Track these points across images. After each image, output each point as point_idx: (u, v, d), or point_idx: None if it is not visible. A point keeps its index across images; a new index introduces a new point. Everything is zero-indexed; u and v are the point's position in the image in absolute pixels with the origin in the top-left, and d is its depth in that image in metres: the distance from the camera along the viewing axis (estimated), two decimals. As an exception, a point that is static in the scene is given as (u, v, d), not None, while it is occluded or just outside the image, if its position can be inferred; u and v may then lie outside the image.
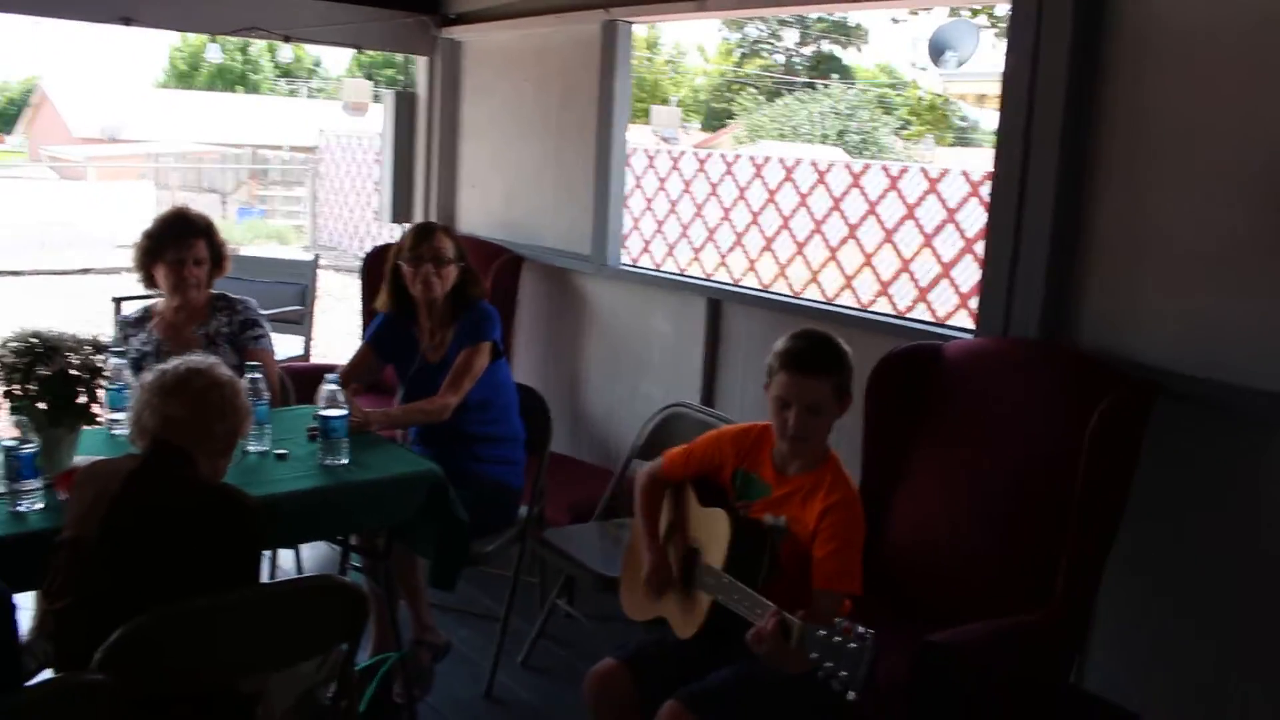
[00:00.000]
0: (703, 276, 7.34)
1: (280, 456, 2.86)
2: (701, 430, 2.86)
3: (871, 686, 1.97)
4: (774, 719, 2.29)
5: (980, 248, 3.40)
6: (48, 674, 2.13)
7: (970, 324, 3.27)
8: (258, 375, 2.92)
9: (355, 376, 3.39)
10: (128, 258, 3.59)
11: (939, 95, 27.69)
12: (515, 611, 3.43)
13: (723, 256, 10.65)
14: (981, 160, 12.30)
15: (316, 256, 6.02)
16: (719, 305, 4.00)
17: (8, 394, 2.56)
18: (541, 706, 3.31)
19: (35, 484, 2.43)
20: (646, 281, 4.38)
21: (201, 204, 4.17)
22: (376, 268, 3.71)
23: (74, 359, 2.61)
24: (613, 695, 2.42)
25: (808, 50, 32.13)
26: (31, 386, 2.57)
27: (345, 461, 2.81)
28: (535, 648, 3.57)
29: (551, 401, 3.62)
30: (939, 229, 9.06)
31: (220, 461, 2.27)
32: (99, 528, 2.07)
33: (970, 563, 2.70)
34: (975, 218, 8.61)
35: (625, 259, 4.55)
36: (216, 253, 3.46)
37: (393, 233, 4.62)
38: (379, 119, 5.74)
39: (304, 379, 3.84)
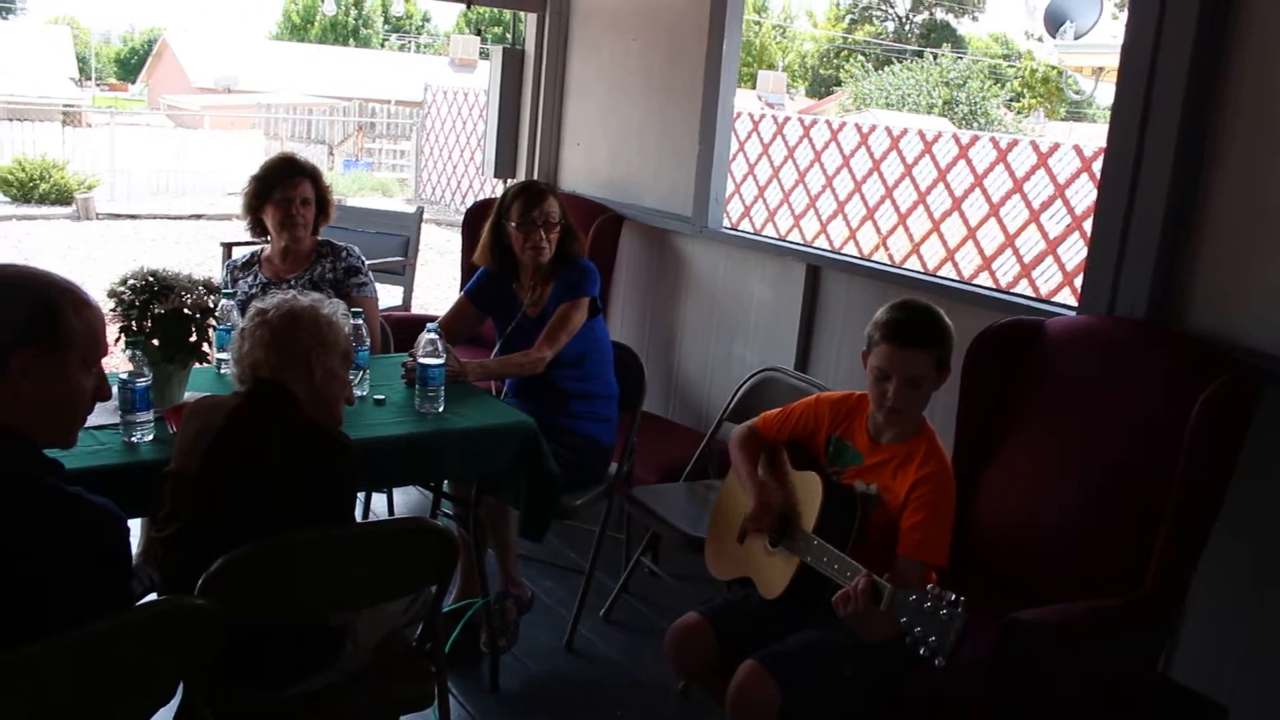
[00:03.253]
0: (802, 243, 7.26)
1: (378, 402, 2.92)
2: (795, 396, 2.85)
3: (957, 657, 1.95)
4: (851, 686, 2.28)
5: (1089, 225, 3.31)
6: (152, 599, 2.21)
7: (1074, 303, 3.19)
8: (359, 322, 2.99)
9: (454, 328, 3.44)
10: (237, 205, 3.70)
11: (1054, 67, 26.87)
12: (599, 566, 3.47)
13: (823, 224, 10.53)
14: (1094, 136, 11.95)
15: (420, 209, 6.11)
16: (818, 272, 3.97)
17: (124, 329, 2.65)
18: (621, 659, 3.35)
19: (147, 416, 2.52)
20: (746, 245, 4.36)
21: (309, 155, 4.28)
22: (478, 222, 3.75)
23: (187, 299, 2.70)
24: (694, 649, 2.44)
25: (920, 18, 31.45)
26: (146, 323, 2.67)
27: (440, 409, 2.86)
28: (617, 602, 3.61)
29: (646, 361, 3.63)
30: (1047, 204, 8.84)
31: (326, 395, 2.28)
32: (201, 461, 2.14)
33: (1061, 543, 2.65)
34: (1085, 194, 8.38)
35: (725, 223, 4.53)
36: (322, 197, 3.54)
37: (495, 188, 4.66)
38: (485, 75, 5.77)
39: (404, 328, 3.92)
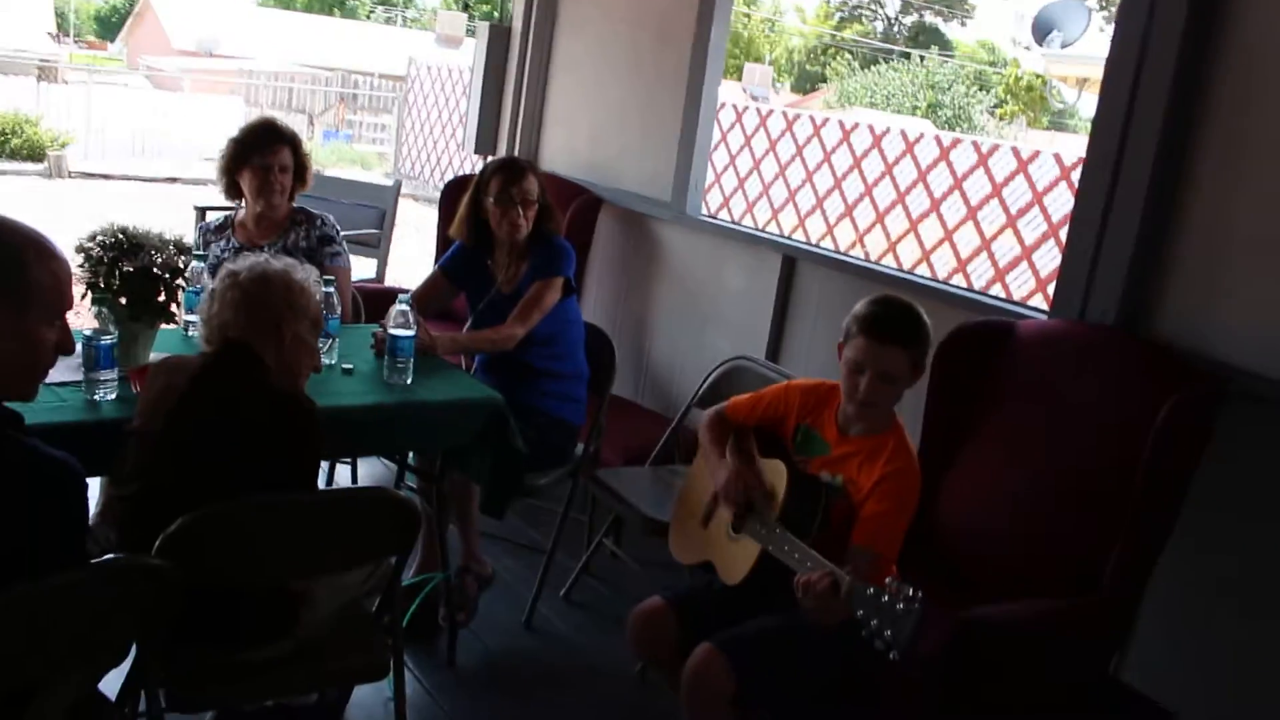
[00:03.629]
0: (779, 235, 7.26)
1: (346, 371, 2.91)
2: (764, 384, 2.85)
3: (912, 651, 1.96)
4: (805, 672, 2.29)
5: (1064, 233, 3.34)
6: (109, 557, 2.19)
7: (1046, 308, 3.21)
8: (330, 290, 2.96)
9: (427, 301, 3.43)
10: (213, 170, 3.66)
11: (1039, 76, 27.02)
12: (561, 547, 3.47)
13: (801, 219, 10.55)
14: (1074, 146, 12.00)
15: (398, 182, 6.07)
16: (794, 263, 3.97)
17: (91, 286, 2.62)
18: (579, 640, 3.35)
19: (111, 374, 2.50)
20: (724, 234, 4.36)
21: (289, 123, 4.22)
22: (456, 197, 3.73)
23: (157, 257, 2.66)
24: (656, 633, 2.44)
25: (909, 19, 31.54)
26: (114, 281, 2.63)
27: (409, 381, 2.85)
28: (578, 583, 3.61)
29: (618, 344, 3.63)
30: (1024, 210, 8.89)
31: (294, 364, 2.27)
32: (165, 421, 2.13)
33: (1021, 543, 2.67)
34: (1062, 203, 8.43)
35: (704, 211, 4.53)
36: (300, 164, 3.51)
37: (475, 165, 4.64)
38: (471, 53, 5.74)
39: (376, 299, 3.89)
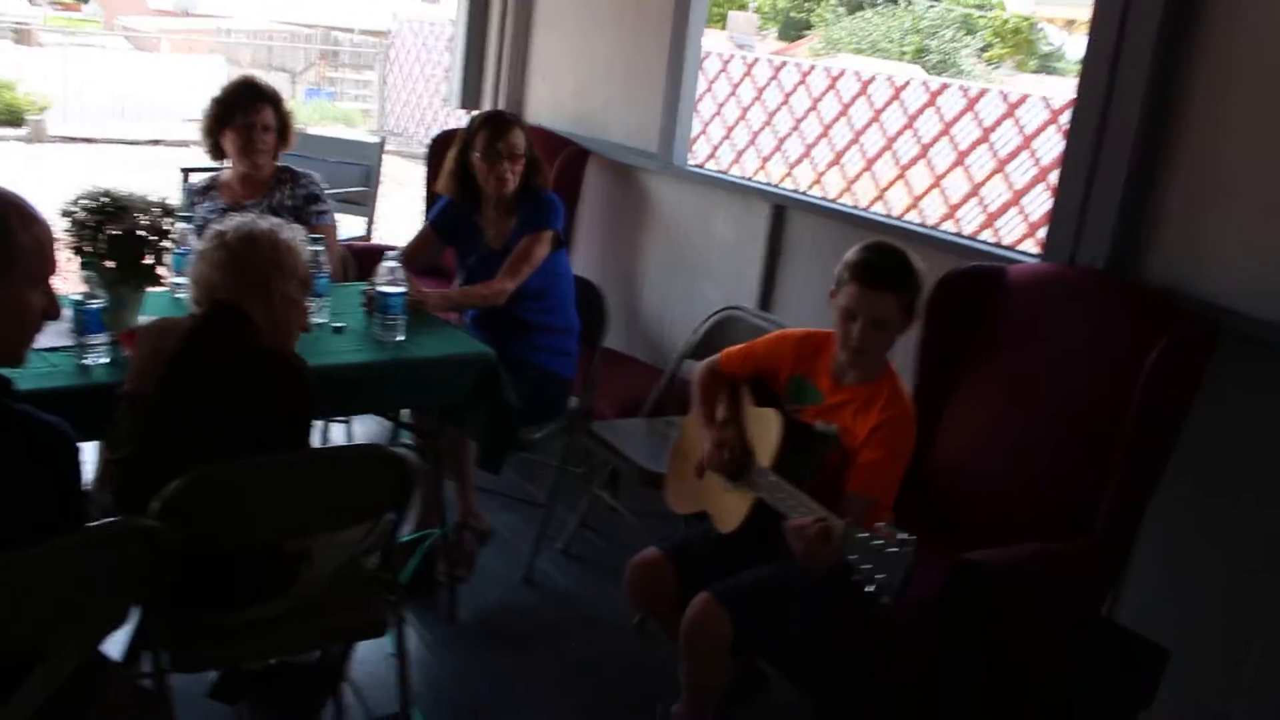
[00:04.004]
0: (768, 183, 7.24)
1: (337, 329, 2.90)
2: (756, 335, 2.85)
3: (904, 595, 1.98)
4: (800, 621, 2.31)
5: (1054, 177, 3.32)
6: (106, 521, 2.19)
7: (1037, 252, 3.21)
8: (319, 249, 2.95)
9: (415, 257, 3.41)
10: (196, 130, 3.62)
11: (1026, 18, 26.77)
12: (558, 500, 3.48)
13: (790, 167, 10.49)
14: (1063, 89, 11.93)
15: (383, 139, 6.02)
16: (783, 212, 3.96)
17: (78, 250, 2.60)
18: (578, 593, 3.38)
19: (101, 339, 2.49)
20: (711, 184, 4.33)
21: (270, 81, 4.15)
22: (443, 151, 3.70)
23: (142, 220, 2.64)
24: (653, 584, 2.46)
25: (894, -38, 31.18)
26: (100, 244, 2.61)
27: (400, 339, 2.84)
28: (576, 537, 3.62)
29: (608, 297, 3.62)
30: (1013, 155, 8.85)
31: (283, 324, 2.26)
32: (156, 384, 2.12)
33: (1014, 487, 2.68)
34: (1051, 147, 8.39)
35: (691, 162, 4.50)
36: (283, 123, 3.48)
37: (460, 119, 4.59)
38: (453, 7, 5.66)
39: (365, 257, 3.87)
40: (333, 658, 2.78)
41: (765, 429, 2.41)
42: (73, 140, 13.15)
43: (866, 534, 2.00)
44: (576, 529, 3.63)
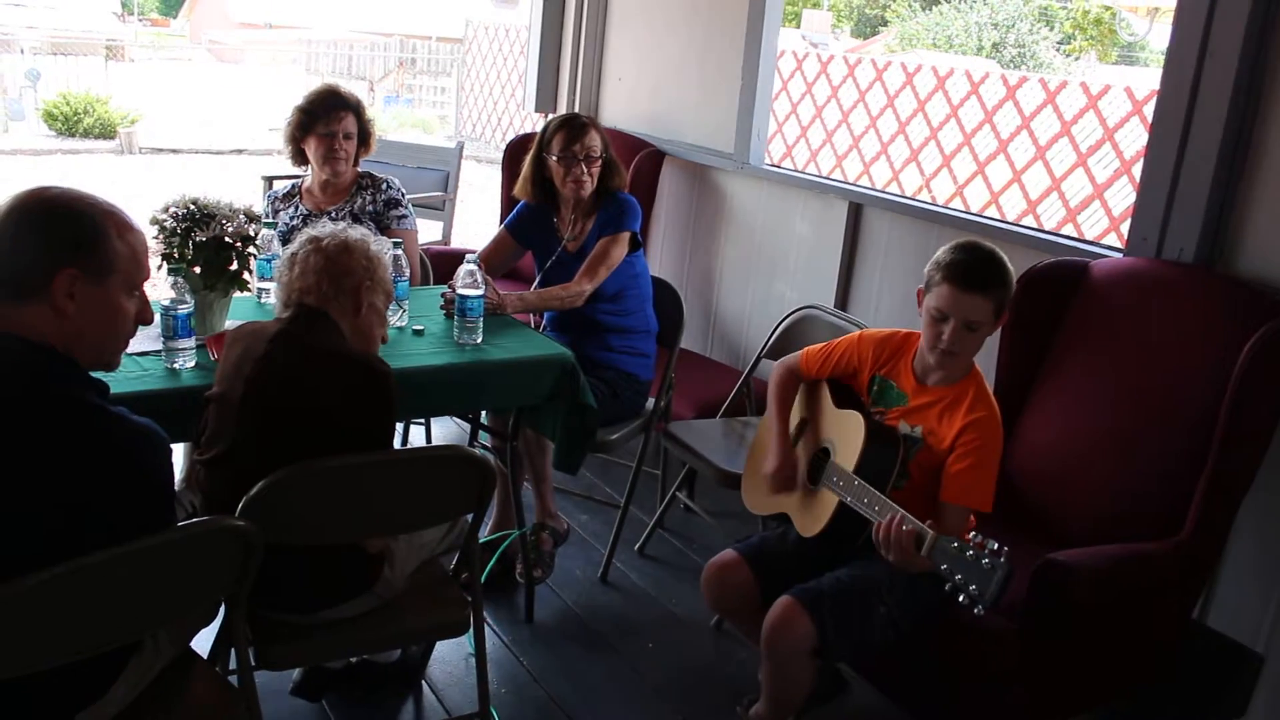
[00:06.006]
0: (845, 181, 7.18)
1: (417, 332, 2.93)
2: (834, 334, 2.83)
3: (999, 607, 1.95)
4: (884, 624, 2.28)
5: (1138, 169, 3.24)
6: (194, 520, 2.25)
7: (1120, 246, 3.13)
8: (399, 253, 2.98)
9: (493, 261, 3.44)
10: (279, 139, 3.69)
11: (1107, 7, 26.15)
12: (635, 501, 3.48)
13: (866, 165, 10.40)
14: (1146, 80, 11.64)
15: (461, 144, 6.08)
16: (860, 210, 3.92)
17: (166, 257, 2.67)
18: (655, 593, 3.38)
19: (189, 343, 2.54)
20: (788, 182, 4.31)
21: (350, 90, 4.22)
22: (519, 156, 3.73)
23: (228, 227, 2.70)
24: (731, 586, 2.45)
25: (971, -44, 30.70)
26: (188, 251, 2.68)
27: (479, 341, 2.87)
28: (652, 537, 3.63)
29: (685, 297, 3.62)
30: (1095, 148, 8.67)
31: (366, 328, 2.30)
32: (243, 386, 2.16)
33: (1101, 486, 2.62)
34: (1135, 138, 8.20)
35: (767, 161, 4.48)
36: (364, 130, 3.53)
37: (535, 124, 4.63)
38: (527, 12, 5.71)
39: (443, 261, 3.92)
40: (412, 657, 2.82)
41: (848, 431, 2.39)
42: (161, 151, 13.51)
43: (957, 544, 1.97)
44: (653, 529, 3.63)
